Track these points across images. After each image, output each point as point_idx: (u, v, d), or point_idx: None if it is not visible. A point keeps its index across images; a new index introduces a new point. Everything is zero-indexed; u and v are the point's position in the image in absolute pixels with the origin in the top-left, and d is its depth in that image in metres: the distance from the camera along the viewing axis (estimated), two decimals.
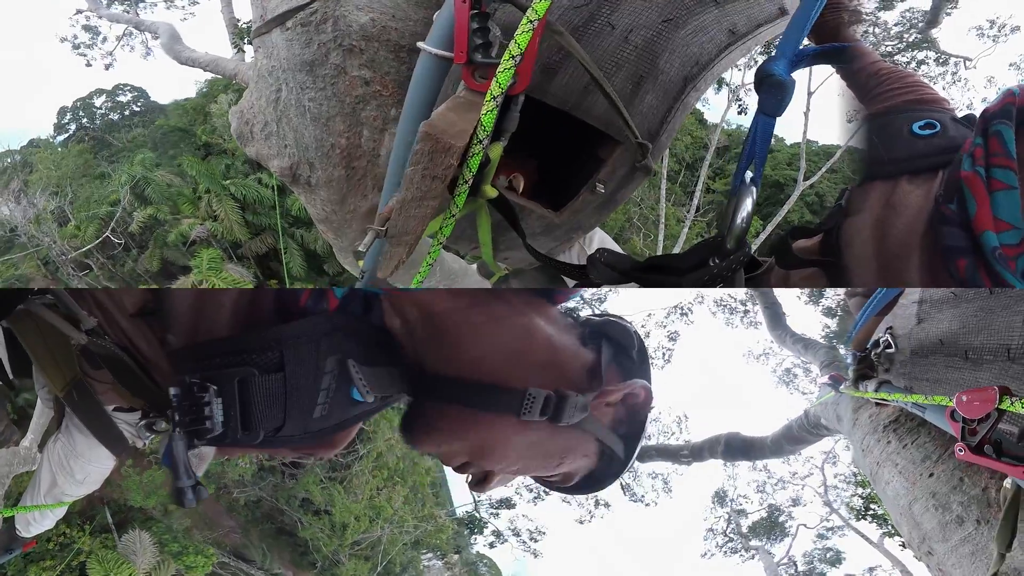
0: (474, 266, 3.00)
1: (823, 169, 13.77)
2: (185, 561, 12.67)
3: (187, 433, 0.97)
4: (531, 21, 0.90)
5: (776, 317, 6.73)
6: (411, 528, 17.13)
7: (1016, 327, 1.40)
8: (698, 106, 19.94)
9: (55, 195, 16.58)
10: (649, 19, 1.39)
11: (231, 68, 6.45)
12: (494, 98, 0.95)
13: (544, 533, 17.47)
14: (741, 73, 13.72)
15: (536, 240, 1.86)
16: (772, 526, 14.57)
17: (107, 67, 15.83)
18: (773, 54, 1.17)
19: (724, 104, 13.93)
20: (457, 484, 24.96)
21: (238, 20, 8.65)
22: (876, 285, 1.12)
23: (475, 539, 19.21)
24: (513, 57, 0.92)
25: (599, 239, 2.29)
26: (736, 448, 6.62)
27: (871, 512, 10.91)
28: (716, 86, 14.77)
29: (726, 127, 18.27)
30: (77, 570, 11.96)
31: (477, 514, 17.88)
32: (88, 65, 15.71)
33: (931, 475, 2.03)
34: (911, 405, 1.89)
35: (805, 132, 12.54)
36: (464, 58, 1.03)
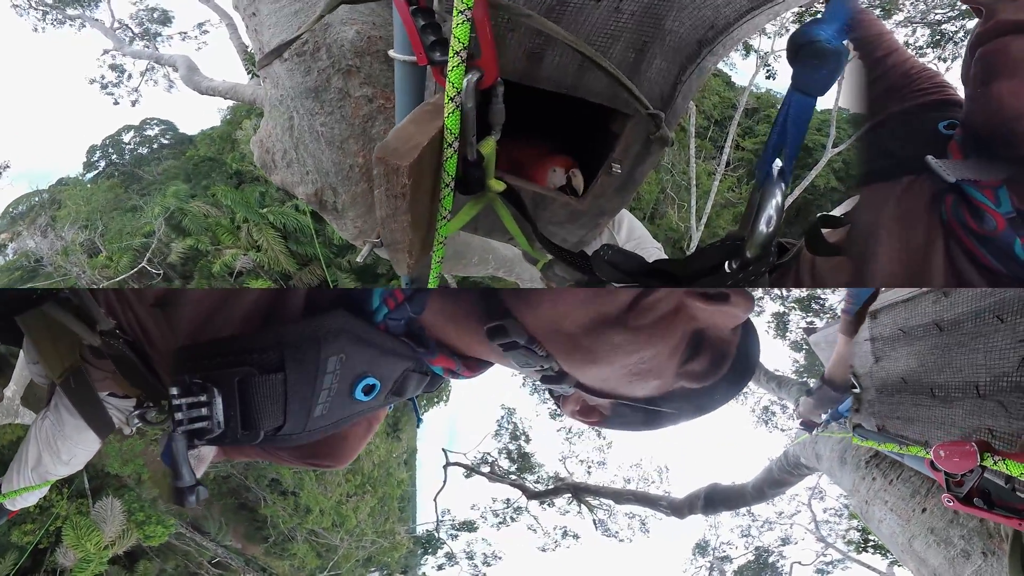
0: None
1: (852, 137, 13.46)
2: (146, 531, 13.38)
3: (187, 433, 0.97)
4: (461, 12, 0.87)
5: None
6: (368, 544, 17.26)
7: (980, 364, 1.43)
8: (725, 70, 20.07)
9: (84, 228, 17.14)
10: None
11: (249, 94, 6.66)
12: (451, 99, 0.93)
13: (500, 558, 17.05)
14: (771, 40, 13.47)
15: (564, 228, 1.84)
16: (761, 568, 14.28)
17: (133, 103, 16.72)
18: (819, 16, 1.07)
19: (752, 69, 13.67)
20: (425, 501, 24.89)
21: (247, 46, 8.90)
22: (900, 283, 1.08)
23: (426, 559, 18.89)
24: (458, 53, 0.90)
25: (628, 224, 2.24)
26: (716, 501, 6.59)
27: (871, 543, 10.55)
28: (743, 51, 14.58)
29: (755, 91, 18.00)
30: (54, 535, 12.73)
31: (436, 534, 17.49)
32: (115, 103, 16.61)
33: (924, 510, 2.04)
34: (879, 442, 1.90)
35: (837, 99, 12.12)
36: (424, 59, 1.02)
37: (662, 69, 1.39)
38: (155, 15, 15.62)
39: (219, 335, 1.08)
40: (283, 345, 0.98)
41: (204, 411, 0.96)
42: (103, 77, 16.18)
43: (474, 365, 1.21)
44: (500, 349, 1.09)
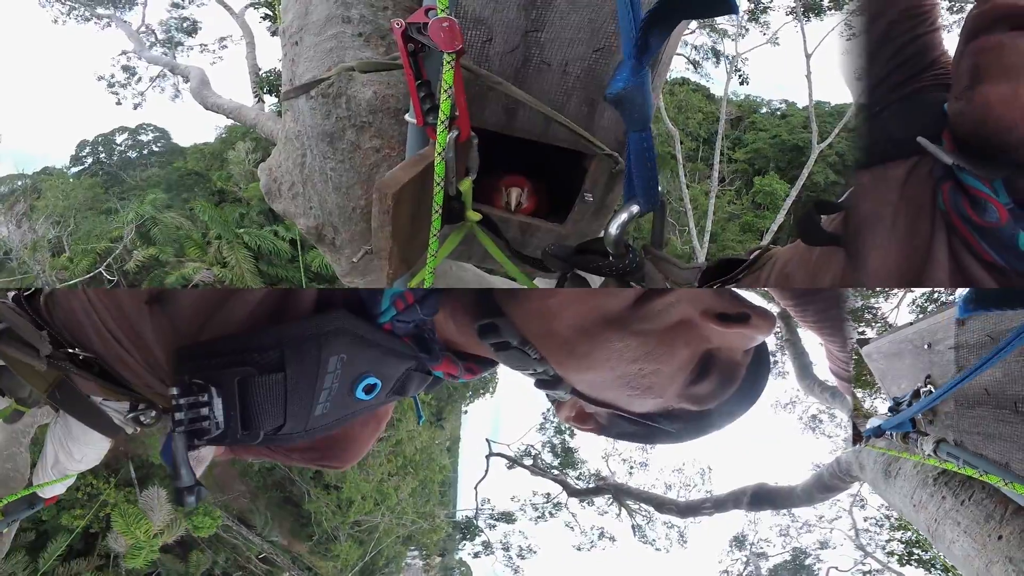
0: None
1: (836, 129, 14.17)
2: (194, 521, 13.73)
3: (187, 433, 0.98)
4: (446, 91, 1.30)
5: (805, 367, 7.00)
6: (408, 522, 17.62)
7: None
8: (701, 81, 21.70)
9: (57, 224, 17.06)
10: (579, 52, 1.59)
11: (251, 117, 7.04)
12: (439, 154, 1.36)
13: (535, 552, 17.08)
14: (734, 43, 14.75)
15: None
16: (797, 569, 14.24)
17: (136, 106, 17.09)
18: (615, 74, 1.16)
19: (725, 76, 14.76)
20: (466, 488, 25.66)
21: (259, 68, 9.43)
22: (897, 283, 1.07)
23: (464, 545, 19.20)
24: (443, 122, 1.32)
25: None
26: (763, 499, 6.64)
27: (915, 557, 10.49)
28: (714, 59, 16.59)
29: (733, 98, 19.08)
30: (104, 521, 13.45)
31: (475, 522, 17.82)
32: (118, 103, 16.92)
33: (1000, 537, 1.98)
34: (981, 471, 1.81)
35: (811, 95, 12.98)
36: (421, 121, 1.45)
37: (613, 119, 1.74)
38: (184, 24, 16.29)
39: (221, 334, 1.10)
40: (283, 345, 0.99)
41: (204, 411, 0.97)
42: (113, 76, 16.58)
43: (475, 367, 1.22)
44: (492, 349, 1.10)
